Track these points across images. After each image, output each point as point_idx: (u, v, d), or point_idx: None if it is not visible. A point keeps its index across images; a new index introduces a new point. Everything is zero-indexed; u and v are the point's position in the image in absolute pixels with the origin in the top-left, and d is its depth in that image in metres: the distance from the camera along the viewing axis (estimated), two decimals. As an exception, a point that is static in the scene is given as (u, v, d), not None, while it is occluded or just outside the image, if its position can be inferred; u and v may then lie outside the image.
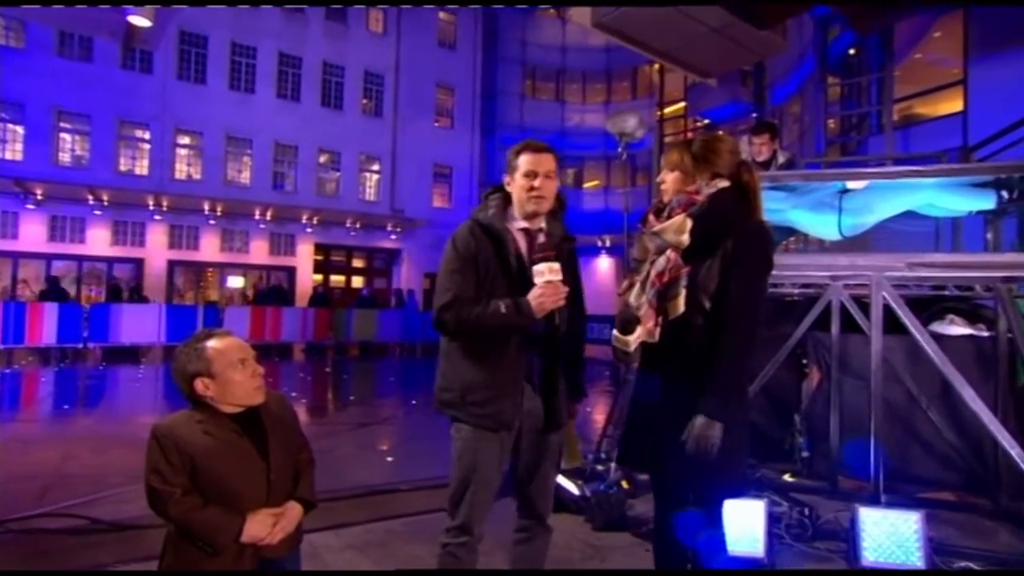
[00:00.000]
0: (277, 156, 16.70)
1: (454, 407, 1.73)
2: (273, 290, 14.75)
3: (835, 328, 3.37)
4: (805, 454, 3.71)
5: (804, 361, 3.83)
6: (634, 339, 1.59)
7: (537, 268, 1.62)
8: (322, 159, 17.55)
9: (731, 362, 1.52)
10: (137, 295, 12.87)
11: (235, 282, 16.61)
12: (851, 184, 2.83)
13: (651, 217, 1.66)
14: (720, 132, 1.94)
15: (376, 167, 18.29)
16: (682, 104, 20.82)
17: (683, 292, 1.55)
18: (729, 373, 1.52)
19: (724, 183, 1.63)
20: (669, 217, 1.63)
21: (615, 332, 1.61)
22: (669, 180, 1.67)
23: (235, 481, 1.45)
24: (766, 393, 3.75)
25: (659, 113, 21.40)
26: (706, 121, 19.76)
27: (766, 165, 3.77)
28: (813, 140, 13.27)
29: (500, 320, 1.63)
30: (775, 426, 3.89)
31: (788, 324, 3.52)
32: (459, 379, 1.72)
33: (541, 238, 1.77)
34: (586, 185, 22.22)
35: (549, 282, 1.61)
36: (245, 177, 16.46)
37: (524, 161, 1.74)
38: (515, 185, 1.75)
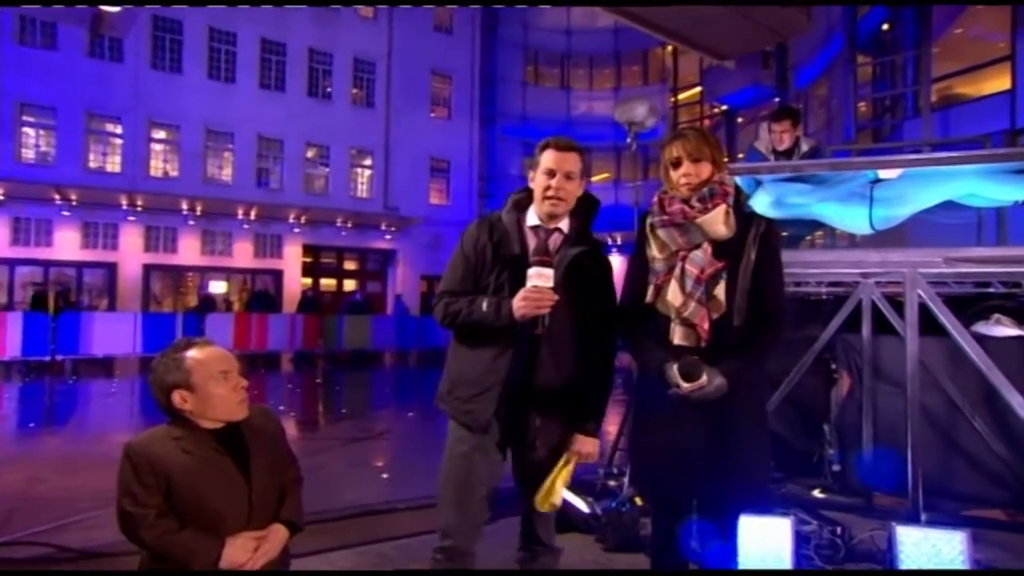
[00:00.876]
0: (261, 151, 16.79)
1: (443, 399, 1.83)
2: (258, 295, 14.79)
3: (866, 330, 3.34)
4: (836, 468, 3.67)
5: (833, 366, 3.79)
6: (706, 379, 1.52)
7: (530, 271, 1.66)
8: (309, 154, 17.62)
9: (764, 351, 1.62)
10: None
11: (217, 287, 16.67)
12: (883, 173, 2.81)
13: (684, 208, 1.65)
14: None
15: (368, 162, 18.34)
16: (698, 89, 20.81)
17: (723, 286, 1.59)
18: (760, 358, 1.61)
19: (730, 176, 1.71)
20: (704, 207, 1.64)
21: (680, 382, 1.55)
22: (704, 172, 1.66)
23: (214, 502, 1.44)
24: (792, 402, 3.72)
25: (673, 99, 21.40)
26: (724, 107, 19.75)
27: (788, 154, 3.75)
28: (842, 126, 13.22)
29: (479, 318, 1.71)
30: (802, 437, 3.86)
31: (815, 326, 3.50)
32: (452, 371, 1.83)
33: (556, 239, 1.79)
34: (594, 179, 22.19)
35: (536, 287, 1.64)
36: (226, 174, 16.52)
37: (545, 158, 1.77)
38: (536, 183, 1.79)
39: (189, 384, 1.49)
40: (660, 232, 1.69)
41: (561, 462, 1.77)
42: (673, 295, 1.65)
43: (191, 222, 15.91)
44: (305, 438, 5.86)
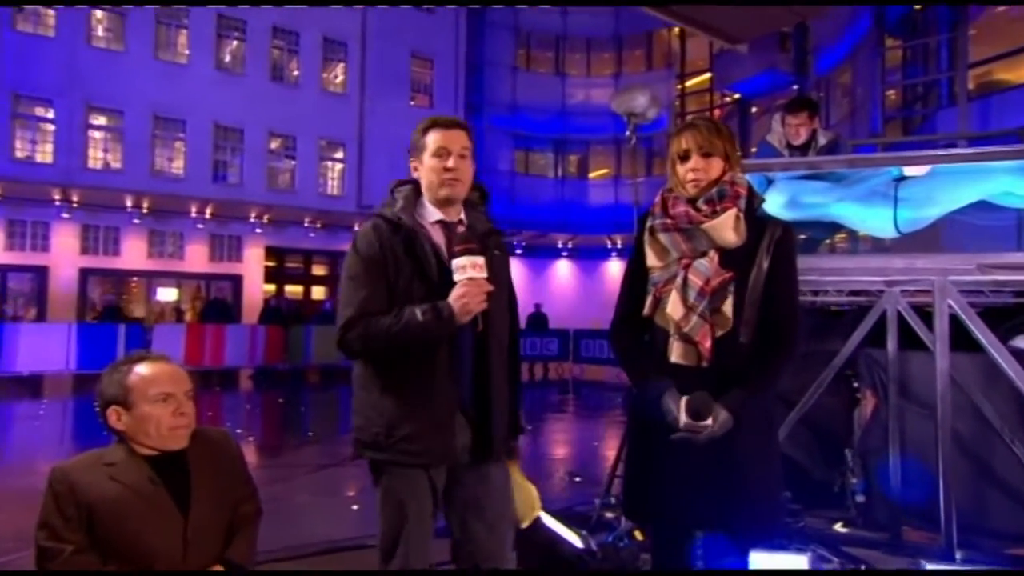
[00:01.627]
0: (217, 141, 16.71)
1: (379, 448, 1.73)
2: (214, 304, 14.68)
3: (892, 344, 3.36)
4: (860, 499, 3.68)
5: (855, 384, 3.82)
6: (711, 420, 1.52)
7: (457, 262, 1.64)
8: (273, 145, 17.58)
9: (775, 378, 1.62)
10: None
11: (167, 295, 16.56)
12: (908, 170, 2.84)
13: (689, 210, 1.65)
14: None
15: (339, 154, 18.34)
16: (707, 75, 21.02)
17: (730, 300, 1.58)
18: (770, 387, 1.61)
19: (743, 174, 1.71)
20: (712, 210, 1.63)
21: (686, 420, 1.55)
22: (714, 169, 1.66)
23: (145, 539, 1.43)
24: (809, 424, 3.73)
25: (679, 87, 21.59)
26: (736, 96, 19.96)
27: (804, 149, 3.78)
28: (867, 117, 13.36)
29: (418, 331, 1.64)
30: (821, 465, 3.87)
31: (834, 339, 3.51)
32: (382, 413, 1.73)
33: (461, 231, 1.80)
34: (592, 175, 22.36)
35: (472, 279, 1.63)
36: (177, 166, 16.42)
37: (433, 139, 1.78)
38: (424, 168, 1.79)
39: (127, 402, 1.50)
40: (661, 236, 1.67)
41: (515, 472, 1.86)
42: (673, 308, 1.62)
43: (136, 221, 15.80)
44: (265, 465, 5.85)
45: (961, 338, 2.97)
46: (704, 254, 1.63)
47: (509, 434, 1.91)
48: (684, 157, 1.68)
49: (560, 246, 21.22)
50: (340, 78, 18.64)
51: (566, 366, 15.21)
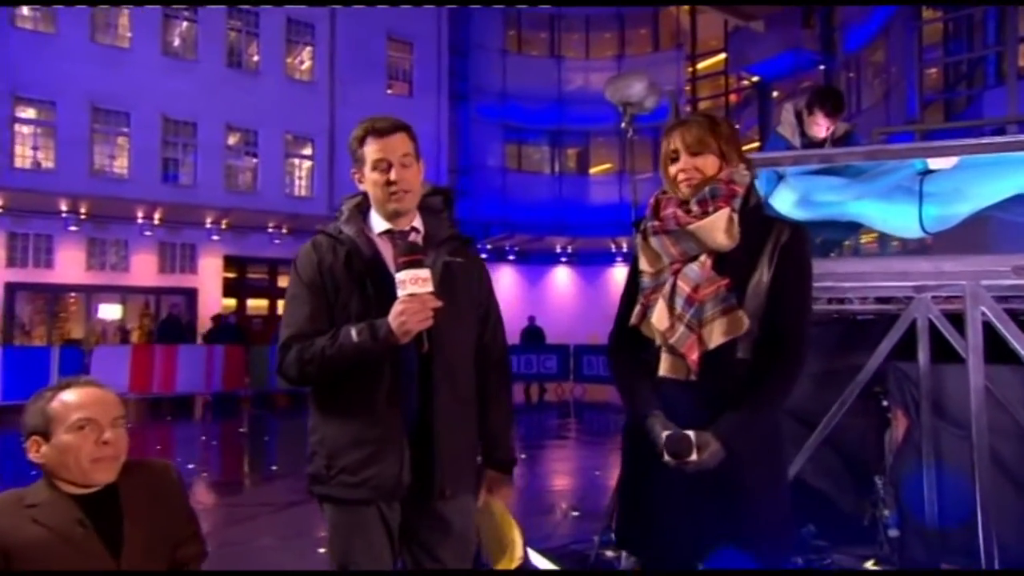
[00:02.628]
0: (167, 136, 16.68)
1: (322, 481, 1.79)
2: (165, 323, 14.65)
3: (923, 357, 3.40)
4: (894, 533, 3.70)
5: (885, 402, 3.84)
6: (695, 456, 1.57)
7: (399, 277, 1.68)
8: (231, 140, 17.58)
9: (774, 400, 1.63)
10: None
11: (110, 312, 16.49)
12: (933, 162, 2.88)
13: (677, 212, 1.70)
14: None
15: (307, 151, 18.36)
16: (721, 56, 21.21)
17: (739, 310, 1.62)
18: (768, 410, 1.62)
19: (748, 172, 1.74)
20: (703, 211, 1.67)
21: (667, 458, 1.60)
22: (707, 167, 1.71)
23: (71, 587, 1.44)
24: (835, 447, 3.76)
25: (690, 69, 21.76)
26: (755, 79, 20.13)
27: (821, 143, 3.85)
28: (902, 100, 13.42)
29: (354, 352, 1.69)
30: (849, 494, 3.89)
31: (860, 352, 3.53)
32: (324, 442, 1.80)
33: (415, 240, 1.85)
34: (593, 170, 22.46)
35: (413, 295, 1.66)
36: (120, 165, 16.37)
37: (371, 150, 1.82)
38: (367, 182, 1.85)
39: (47, 431, 1.51)
40: (652, 240, 1.73)
41: (495, 512, 1.86)
42: (659, 317, 1.68)
43: (73, 228, 15.69)
44: (224, 505, 5.84)
45: (1001, 349, 3.00)
46: (695, 258, 1.67)
47: (494, 466, 1.94)
48: (674, 158, 1.74)
49: (558, 251, 21.26)
50: (307, 64, 18.65)
51: (566, 386, 15.20)
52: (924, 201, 2.97)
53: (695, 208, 1.69)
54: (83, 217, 15.73)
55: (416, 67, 19.78)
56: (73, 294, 16.35)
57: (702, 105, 22.26)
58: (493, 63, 21.07)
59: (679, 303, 1.65)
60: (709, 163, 1.71)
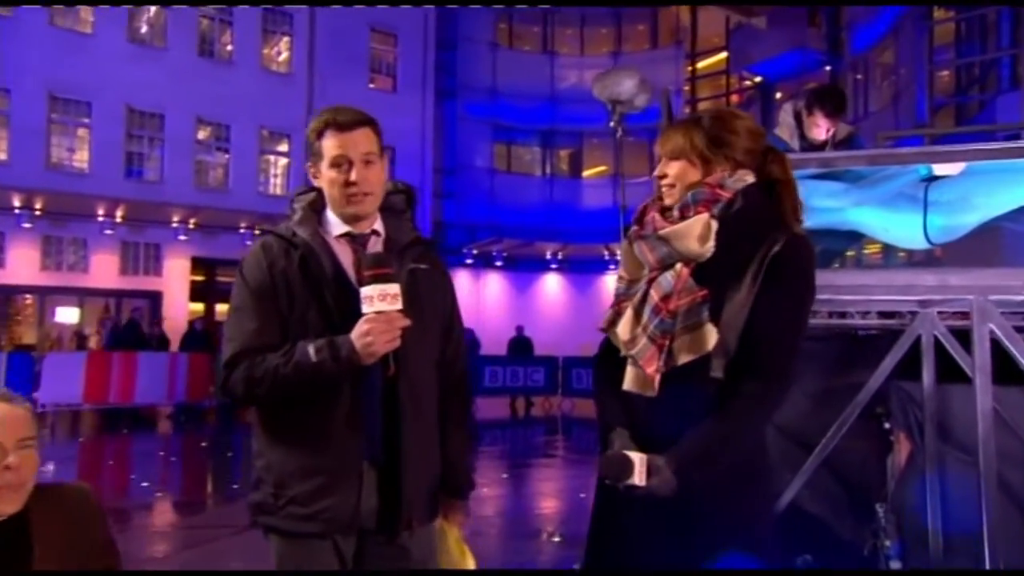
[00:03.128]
0: (131, 128, 16.62)
1: (269, 512, 1.73)
2: (126, 328, 14.52)
3: (928, 376, 3.38)
4: (895, 564, 3.69)
5: (887, 424, 3.83)
6: (639, 480, 1.54)
7: (365, 292, 1.62)
8: (201, 134, 17.53)
9: (742, 428, 1.59)
10: None
11: (67, 315, 16.34)
12: (939, 168, 2.88)
13: (655, 216, 1.70)
14: (733, 108, 2.03)
15: (283, 147, 18.36)
16: (723, 55, 21.39)
17: (706, 326, 1.59)
18: (735, 440, 1.58)
19: (751, 176, 1.70)
20: (683, 217, 1.66)
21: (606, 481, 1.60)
22: (673, 172, 1.71)
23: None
24: (833, 472, 3.74)
25: (690, 68, 21.92)
26: (757, 79, 20.31)
27: (821, 146, 3.85)
28: (911, 103, 13.57)
29: (311, 372, 1.62)
30: (848, 522, 3.87)
31: (861, 370, 3.53)
32: (272, 468, 1.73)
33: (375, 246, 1.80)
34: (586, 173, 22.54)
35: (380, 313, 1.61)
36: (80, 159, 16.30)
37: (329, 145, 1.76)
38: (324, 179, 1.79)
39: None
40: (634, 247, 1.74)
41: (449, 540, 1.86)
42: (623, 325, 1.67)
43: (27, 224, 15.57)
44: (184, 527, 5.80)
45: (1010, 369, 2.99)
46: (672, 267, 1.65)
47: (450, 492, 1.91)
48: (658, 163, 1.77)
49: (548, 257, 21.29)
50: (284, 55, 18.69)
51: (554, 400, 15.24)
52: (929, 210, 2.96)
53: (676, 214, 1.69)
54: (38, 214, 15.63)
55: (400, 60, 19.86)
56: (27, 296, 16.22)
57: (702, 106, 22.37)
58: (482, 58, 21.13)
59: (646, 312, 1.64)
60: (685, 170, 1.70)
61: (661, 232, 1.66)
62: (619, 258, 1.84)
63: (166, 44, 17.01)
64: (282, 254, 1.75)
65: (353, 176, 1.73)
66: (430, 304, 1.84)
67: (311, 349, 1.63)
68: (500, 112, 21.13)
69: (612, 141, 21.19)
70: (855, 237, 3.50)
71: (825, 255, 3.62)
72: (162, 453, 9.57)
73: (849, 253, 3.87)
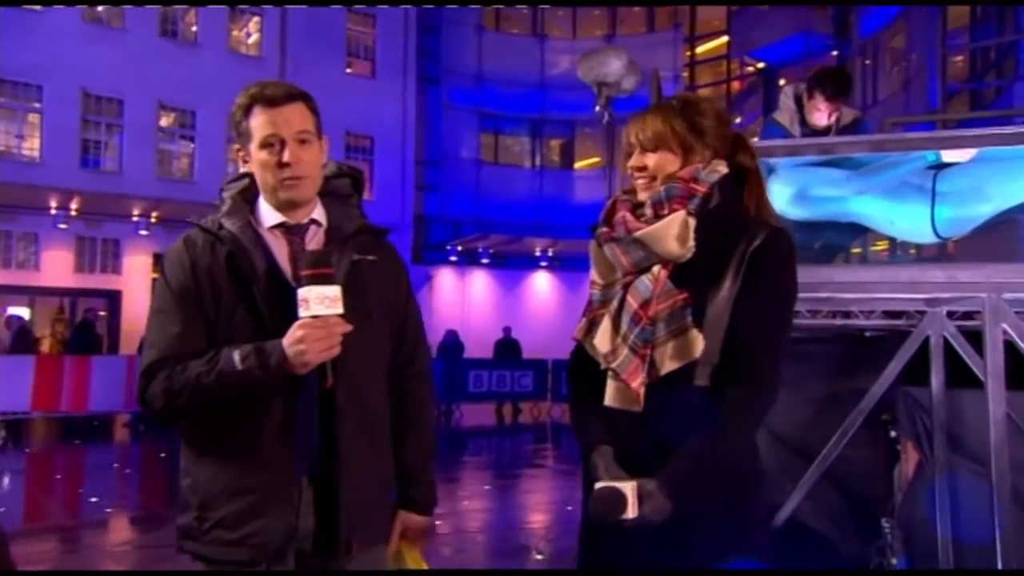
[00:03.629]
0: (86, 114, 16.52)
1: (193, 537, 1.67)
2: (81, 328, 14.43)
3: (936, 381, 3.38)
4: (903, 584, 3.69)
5: (893, 433, 3.83)
6: (631, 512, 1.52)
7: (301, 294, 1.55)
8: (164, 121, 17.45)
9: (738, 434, 1.60)
10: None
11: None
12: (947, 155, 2.85)
13: (626, 215, 1.67)
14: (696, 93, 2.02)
15: (252, 134, 18.29)
16: (724, 39, 21.42)
17: (691, 331, 1.57)
18: (725, 451, 1.58)
19: (724, 167, 1.69)
20: (656, 215, 1.64)
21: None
22: (653, 164, 1.68)
23: None
24: (835, 484, 3.74)
25: (688, 53, 21.96)
26: (760, 65, 20.36)
27: (824, 132, 3.82)
28: (923, 89, 13.63)
29: (236, 382, 1.57)
30: (852, 537, 3.87)
31: (865, 374, 3.53)
32: (198, 488, 1.68)
33: (315, 237, 1.75)
34: (578, 164, 22.55)
35: (317, 317, 1.54)
36: (31, 147, 16.19)
37: (258, 123, 1.68)
38: (254, 163, 1.72)
39: None
40: (604, 248, 1.71)
41: (407, 560, 1.83)
42: (601, 337, 1.64)
43: (-28, 219, 15.50)
44: (140, 545, 5.79)
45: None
46: (649, 270, 1.63)
47: (408, 507, 1.87)
48: (629, 153, 1.72)
49: (538, 254, 21.25)
50: (254, 37, 18.65)
51: (543, 406, 15.26)
52: (937, 201, 2.94)
53: (648, 212, 1.65)
54: (-15, 206, 15.49)
55: (380, 44, 19.84)
56: None
57: (702, 93, 22.41)
58: (468, 41, 21.11)
59: (625, 321, 1.62)
60: (666, 160, 1.67)
61: (636, 234, 1.63)
62: (592, 264, 1.76)
63: (124, 24, 16.90)
64: (207, 250, 1.68)
65: (286, 156, 1.65)
66: (377, 301, 1.77)
67: (236, 356, 1.56)
68: (487, 99, 21.10)
69: (607, 131, 21.27)
70: (859, 230, 3.48)
71: (828, 250, 3.60)
72: (116, 464, 9.51)
73: (855, 250, 3.85)
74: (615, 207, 1.74)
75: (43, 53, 15.67)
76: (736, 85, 22.25)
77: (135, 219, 16.71)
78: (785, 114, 3.91)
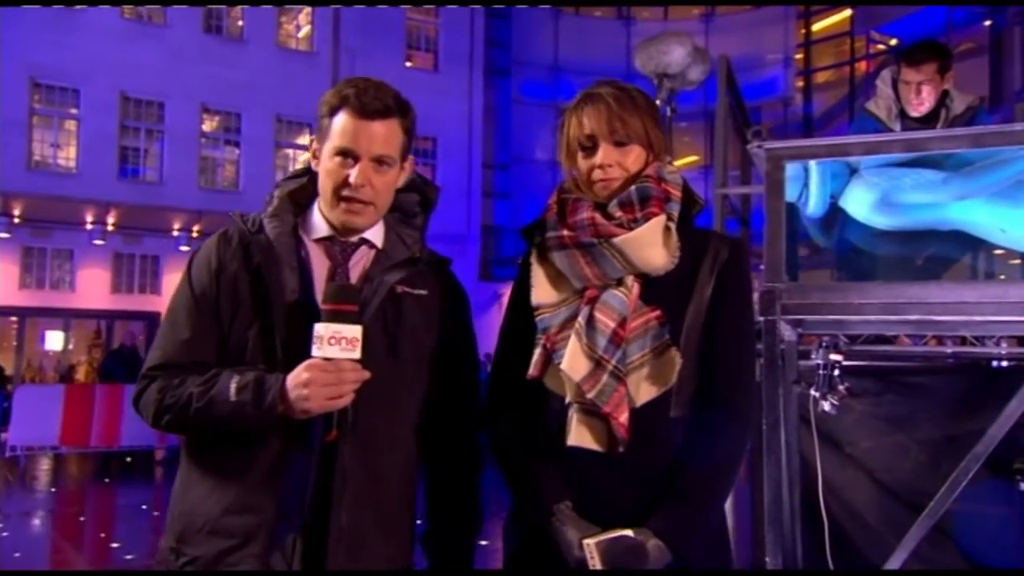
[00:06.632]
0: (125, 119, 17.01)
1: (167, 568, 1.69)
2: (118, 355, 14.84)
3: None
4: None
5: (1024, 484, 3.68)
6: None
7: (317, 330, 1.54)
8: (207, 125, 18.00)
9: (730, 470, 1.64)
10: None
11: (49, 341, 16.94)
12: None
13: (596, 217, 1.66)
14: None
15: (303, 139, 18.68)
16: (847, 13, 20.88)
17: (671, 350, 1.59)
18: (725, 486, 1.63)
19: (676, 169, 1.75)
20: (632, 219, 1.64)
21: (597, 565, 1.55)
22: (632, 161, 1.69)
23: None
24: (955, 544, 3.60)
25: (802, 31, 21.48)
26: (892, 41, 19.72)
27: (927, 122, 3.64)
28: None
29: (226, 413, 1.57)
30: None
31: (991, 412, 3.39)
32: (182, 516, 1.68)
33: (362, 261, 1.74)
34: (677, 163, 22.15)
35: (329, 360, 1.53)
36: (66, 156, 16.69)
37: (340, 128, 1.68)
38: (322, 168, 1.73)
39: None
40: (555, 257, 1.68)
41: None
42: (572, 362, 1.58)
43: (3, 234, 15.99)
44: None
45: None
46: (620, 282, 1.62)
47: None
48: (587, 146, 1.69)
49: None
50: (305, 30, 19.13)
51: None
52: (1059, 205, 2.82)
53: (618, 214, 1.64)
54: (17, 221, 16.10)
55: (443, 33, 20.13)
56: (13, 318, 16.64)
57: (820, 78, 21.91)
58: (542, 27, 21.25)
59: (601, 343, 1.58)
60: (634, 155, 1.68)
61: (615, 240, 1.61)
62: (528, 277, 1.72)
63: (166, 20, 17.49)
64: (239, 253, 1.70)
65: (354, 176, 1.66)
66: (415, 344, 1.73)
67: (233, 384, 1.58)
68: (564, 93, 21.07)
69: (704, 126, 21.00)
70: (974, 242, 3.34)
71: (934, 264, 3.45)
72: (144, 506, 9.62)
73: (969, 263, 3.68)
74: (564, 207, 1.71)
75: (80, 55, 16.24)
76: (862, 67, 21.58)
77: (175, 233, 17.28)
78: (881, 104, 3.70)
